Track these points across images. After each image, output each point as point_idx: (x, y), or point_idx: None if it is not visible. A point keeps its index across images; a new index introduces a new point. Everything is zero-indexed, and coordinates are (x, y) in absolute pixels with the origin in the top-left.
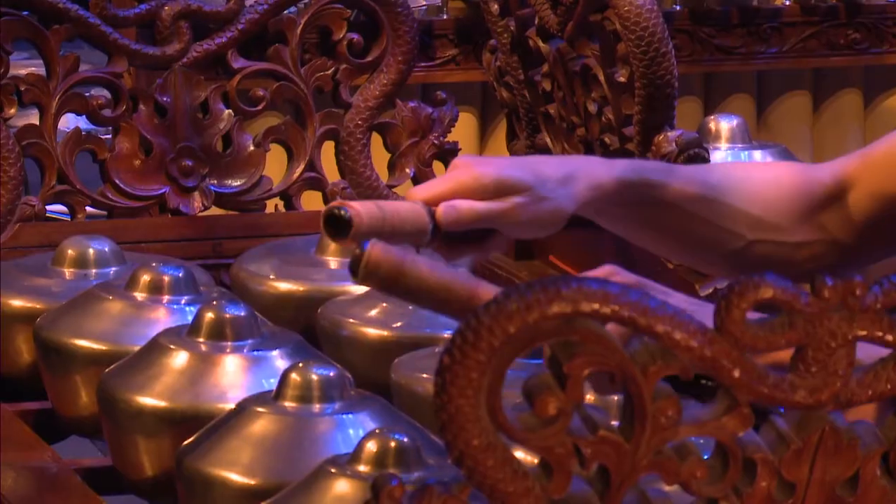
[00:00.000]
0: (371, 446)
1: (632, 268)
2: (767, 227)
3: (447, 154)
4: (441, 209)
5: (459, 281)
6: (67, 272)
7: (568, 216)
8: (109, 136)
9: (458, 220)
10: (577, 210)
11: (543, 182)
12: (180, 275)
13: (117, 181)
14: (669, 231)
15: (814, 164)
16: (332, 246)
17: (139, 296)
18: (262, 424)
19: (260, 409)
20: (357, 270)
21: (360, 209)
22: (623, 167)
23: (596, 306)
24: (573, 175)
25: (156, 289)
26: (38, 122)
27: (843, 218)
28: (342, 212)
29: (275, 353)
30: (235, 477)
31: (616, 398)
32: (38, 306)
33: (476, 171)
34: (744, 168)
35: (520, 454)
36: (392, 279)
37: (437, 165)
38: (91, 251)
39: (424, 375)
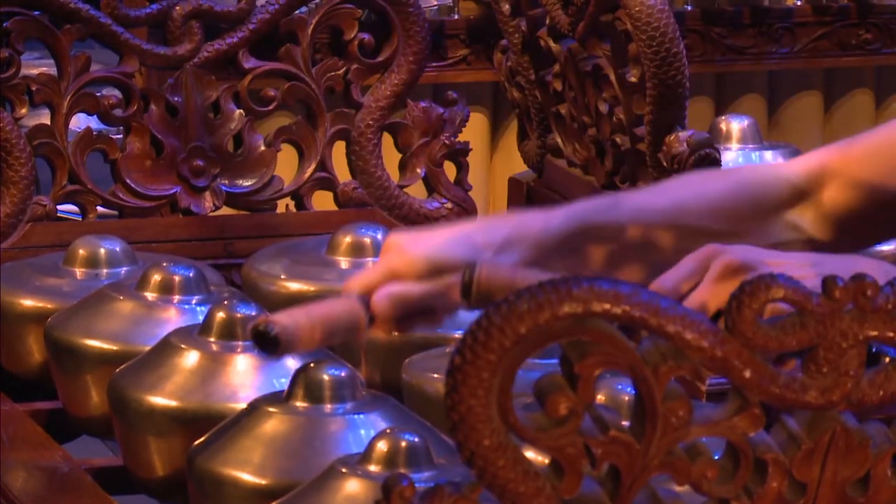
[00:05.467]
0: (382, 446)
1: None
2: (732, 238)
3: (458, 154)
4: (375, 300)
5: None
6: (78, 272)
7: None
8: (120, 136)
9: (394, 308)
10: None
11: (479, 255)
12: (191, 275)
13: (128, 181)
14: (634, 265)
15: (779, 162)
16: (344, 246)
17: (150, 296)
18: (273, 424)
19: (271, 409)
20: (469, 294)
21: (287, 322)
22: (561, 218)
23: (607, 306)
24: (509, 241)
25: (167, 289)
26: (49, 122)
27: (819, 214)
28: (268, 329)
29: None
30: (246, 477)
31: (627, 398)
32: (49, 306)
33: (408, 256)
34: (696, 182)
35: (530, 454)
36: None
37: (448, 165)
38: (102, 251)
39: (435, 375)
